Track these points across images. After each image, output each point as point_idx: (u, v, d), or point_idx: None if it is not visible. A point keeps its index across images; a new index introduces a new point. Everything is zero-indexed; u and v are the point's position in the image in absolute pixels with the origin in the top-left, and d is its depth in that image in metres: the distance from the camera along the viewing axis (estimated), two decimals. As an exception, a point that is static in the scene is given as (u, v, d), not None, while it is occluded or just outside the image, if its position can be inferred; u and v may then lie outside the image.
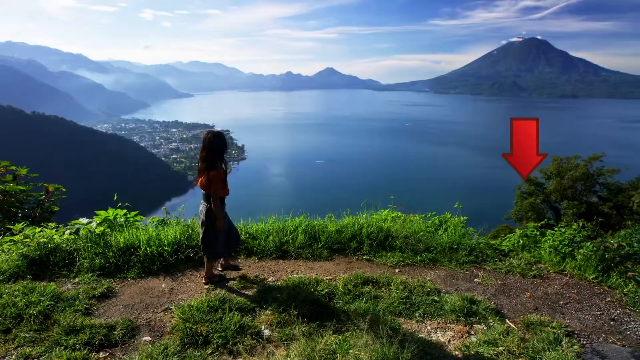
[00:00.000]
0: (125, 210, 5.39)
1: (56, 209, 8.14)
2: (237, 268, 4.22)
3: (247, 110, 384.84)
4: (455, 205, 5.57)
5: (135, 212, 5.52)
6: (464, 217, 5.39)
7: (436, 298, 3.53)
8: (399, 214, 5.58)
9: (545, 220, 5.08)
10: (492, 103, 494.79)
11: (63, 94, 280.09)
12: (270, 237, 4.74)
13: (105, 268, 4.13)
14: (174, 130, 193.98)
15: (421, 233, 4.84)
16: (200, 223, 3.83)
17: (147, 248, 4.29)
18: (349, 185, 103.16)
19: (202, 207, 3.78)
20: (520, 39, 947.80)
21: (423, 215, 5.64)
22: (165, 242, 4.42)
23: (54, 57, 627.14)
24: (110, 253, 4.24)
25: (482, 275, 4.09)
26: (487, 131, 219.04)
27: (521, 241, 4.82)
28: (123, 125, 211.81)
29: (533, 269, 4.22)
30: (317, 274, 4.13)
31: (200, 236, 3.86)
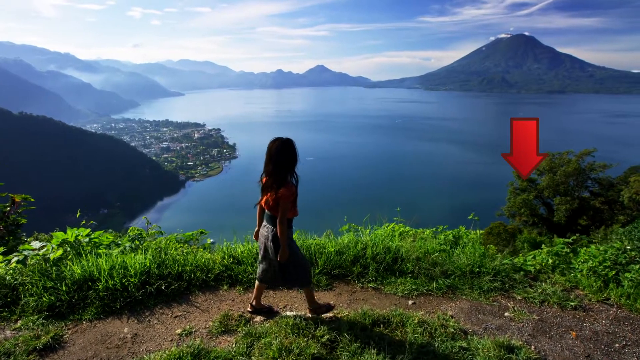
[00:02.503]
0: (88, 230, 4.60)
1: (24, 221, 7.31)
2: (270, 310, 3.43)
3: (238, 108, 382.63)
4: (470, 217, 4.88)
5: (100, 232, 4.74)
6: (481, 231, 4.71)
7: (464, 344, 2.84)
8: (407, 228, 4.87)
9: (577, 235, 4.44)
10: (481, 99, 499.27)
11: (51, 94, 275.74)
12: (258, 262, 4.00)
13: (55, 307, 3.36)
14: (164, 129, 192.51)
15: (436, 254, 4.13)
16: (269, 252, 3.10)
17: (109, 280, 3.54)
18: (340, 183, 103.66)
19: (265, 230, 3.11)
20: (508, 36, 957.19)
21: (433, 229, 4.95)
22: (132, 272, 3.66)
23: (41, 57, 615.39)
24: (64, 288, 3.47)
25: (513, 308, 3.41)
26: (477, 127, 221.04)
27: (550, 260, 4.16)
28: (113, 125, 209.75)
29: (571, 297, 3.55)
30: (312, 309, 3.42)
31: (262, 266, 3.19)
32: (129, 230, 6.55)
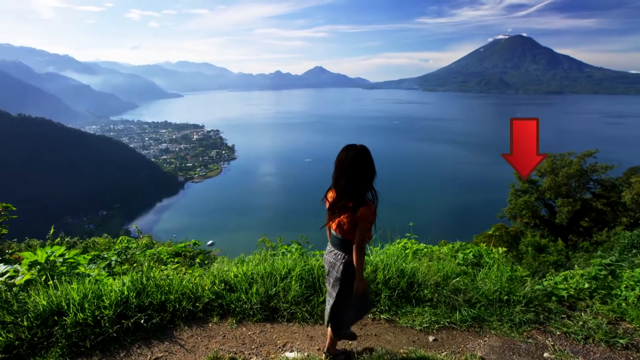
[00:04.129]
0: (62, 248, 4.08)
1: (5, 231, 6.80)
2: (354, 337, 2.93)
3: (236, 109, 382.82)
4: (491, 232, 4.37)
5: (77, 251, 4.22)
6: (503, 249, 4.21)
7: (503, 399, 2.33)
8: (421, 245, 4.35)
9: (615, 256, 3.94)
10: (480, 100, 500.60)
11: (50, 96, 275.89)
12: (254, 288, 3.48)
13: (13, 348, 2.84)
14: (163, 130, 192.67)
15: (457, 279, 3.61)
16: (331, 282, 2.59)
17: (79, 313, 3.02)
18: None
19: (332, 257, 2.57)
20: (506, 37, 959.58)
21: (450, 245, 4.43)
22: (107, 302, 3.14)
23: (40, 58, 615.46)
24: (25, 323, 2.95)
25: (553, 346, 2.90)
26: (475, 128, 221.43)
27: (587, 284, 3.64)
28: (112, 126, 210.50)
29: (620, 332, 3.04)
30: (319, 349, 2.92)
31: (332, 302, 2.60)
32: (118, 241, 6.08)
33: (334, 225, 2.48)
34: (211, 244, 70.88)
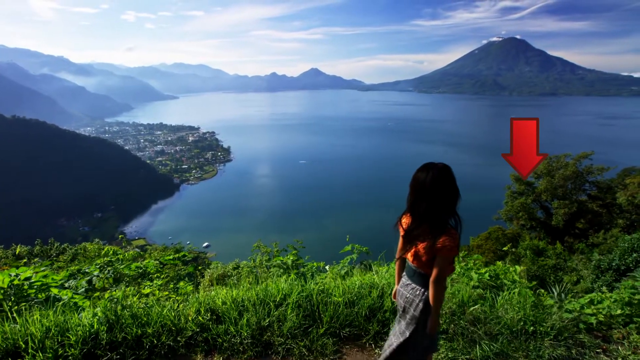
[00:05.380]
0: (29, 271, 3.62)
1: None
2: None
3: (232, 111, 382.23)
4: (506, 248, 3.96)
5: (44, 273, 3.75)
6: (520, 268, 3.80)
7: None
8: None
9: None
10: (474, 101, 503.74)
11: (44, 97, 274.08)
12: (245, 318, 3.04)
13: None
14: (158, 132, 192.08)
15: (475, 307, 3.18)
16: (407, 319, 2.26)
17: (39, 353, 2.57)
18: (332, 186, 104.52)
19: (409, 292, 2.25)
20: (500, 39, 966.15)
21: (463, 264, 4.01)
22: (73, 339, 2.69)
23: (34, 60, 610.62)
24: (-29, 368, 2.52)
25: (592, 392, 2.51)
26: (470, 129, 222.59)
27: (619, 311, 3.25)
28: (107, 128, 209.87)
29: (665, 372, 2.65)
30: (320, 395, 2.50)
31: (401, 339, 2.27)
32: (103, 252, 5.63)
33: (410, 256, 2.20)
34: (207, 246, 70.30)
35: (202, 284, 6.26)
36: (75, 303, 3.41)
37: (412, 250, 2.15)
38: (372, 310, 3.21)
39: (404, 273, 2.33)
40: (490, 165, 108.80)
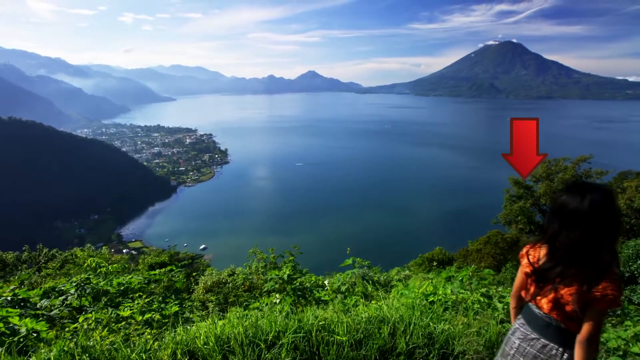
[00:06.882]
0: (8, 290, 3.35)
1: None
2: None
3: (229, 113, 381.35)
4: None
5: (29, 295, 3.44)
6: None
7: None
8: (447, 290, 3.55)
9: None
10: (471, 104, 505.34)
11: (41, 99, 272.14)
12: (230, 362, 2.59)
13: None
14: (156, 134, 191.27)
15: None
16: None
17: None
18: (329, 188, 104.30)
19: (538, 350, 1.76)
20: (497, 42, 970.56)
21: (470, 282, 3.78)
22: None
23: (31, 61, 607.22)
24: None
25: None
26: (467, 132, 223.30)
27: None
28: (104, 130, 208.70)
29: None
30: None
31: None
32: (85, 266, 5.40)
33: (545, 303, 1.71)
34: (203, 249, 69.89)
35: (195, 291, 6.02)
36: (38, 334, 2.82)
37: (551, 296, 1.67)
38: (382, 353, 2.73)
39: (522, 318, 1.84)
40: (488, 168, 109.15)
